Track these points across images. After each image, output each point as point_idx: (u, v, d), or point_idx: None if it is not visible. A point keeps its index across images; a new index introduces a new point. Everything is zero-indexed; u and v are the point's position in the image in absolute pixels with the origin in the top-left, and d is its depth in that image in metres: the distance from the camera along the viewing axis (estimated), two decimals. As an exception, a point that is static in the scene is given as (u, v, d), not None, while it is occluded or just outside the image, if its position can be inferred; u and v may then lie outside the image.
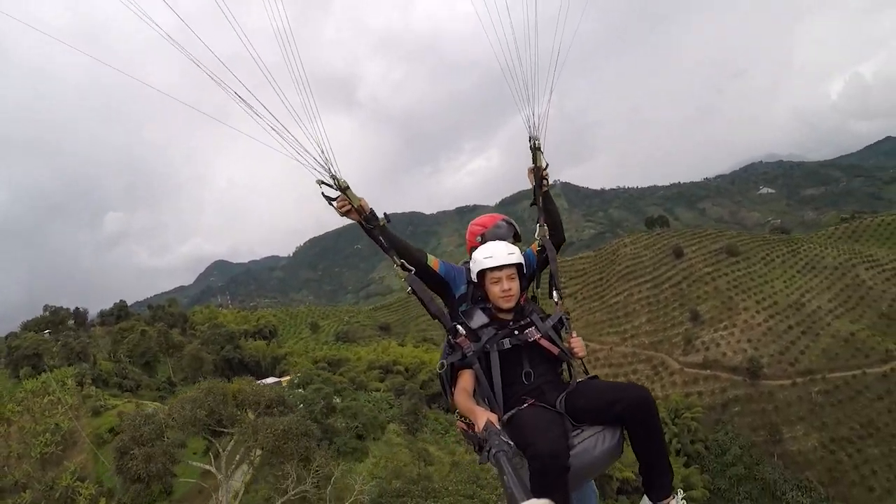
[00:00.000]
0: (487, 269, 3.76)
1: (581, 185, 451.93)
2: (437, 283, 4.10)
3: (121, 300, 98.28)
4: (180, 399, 36.33)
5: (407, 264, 3.83)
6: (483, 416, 3.04)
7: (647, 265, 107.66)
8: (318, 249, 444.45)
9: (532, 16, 3.74)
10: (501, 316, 3.79)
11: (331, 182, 3.64)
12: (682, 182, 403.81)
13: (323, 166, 3.55)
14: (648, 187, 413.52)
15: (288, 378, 64.64)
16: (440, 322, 3.80)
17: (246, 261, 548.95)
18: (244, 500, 31.44)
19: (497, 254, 3.78)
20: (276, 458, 29.70)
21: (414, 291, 3.75)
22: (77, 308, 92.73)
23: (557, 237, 4.35)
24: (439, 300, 4.08)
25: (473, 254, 3.94)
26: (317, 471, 29.02)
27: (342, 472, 31.29)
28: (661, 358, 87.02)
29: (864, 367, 75.87)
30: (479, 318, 3.76)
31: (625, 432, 3.41)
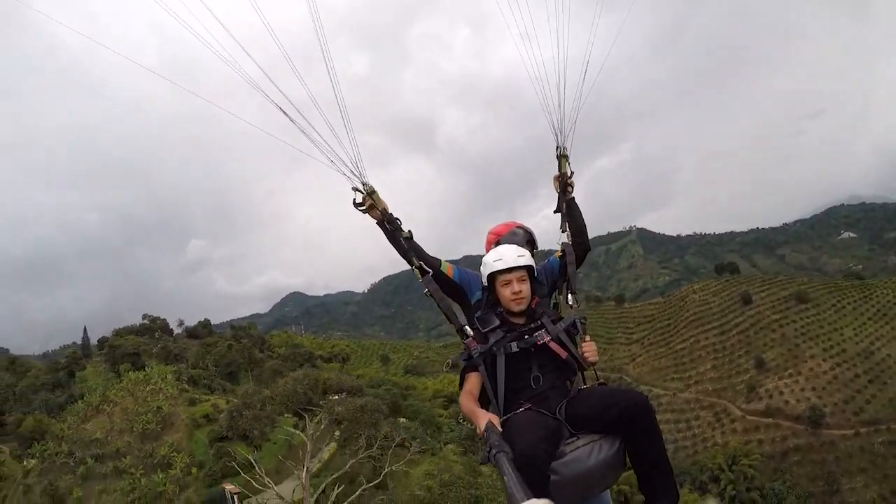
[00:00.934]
0: (497, 271, 3.79)
1: (657, 231, 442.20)
2: (452, 289, 4.18)
3: (205, 318, 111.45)
4: (282, 381, 47.88)
5: (424, 266, 3.99)
6: (484, 418, 3.05)
7: (714, 312, 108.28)
8: (392, 287, 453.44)
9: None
10: (513, 320, 3.78)
11: (361, 188, 3.98)
12: (760, 228, 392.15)
13: (354, 173, 3.92)
14: (726, 233, 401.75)
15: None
16: (449, 320, 3.94)
17: (321, 294, 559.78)
18: (326, 464, 38.62)
19: (506, 256, 3.80)
20: (353, 427, 37.99)
21: (430, 293, 3.91)
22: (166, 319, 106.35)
23: (582, 245, 4.38)
24: (457, 306, 4.21)
25: (485, 258, 3.96)
26: (384, 437, 36.65)
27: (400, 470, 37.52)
28: (724, 405, 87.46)
29: None
30: (490, 322, 3.76)
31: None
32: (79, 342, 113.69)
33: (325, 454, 39.49)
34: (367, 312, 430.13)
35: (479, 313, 3.96)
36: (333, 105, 3.66)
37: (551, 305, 4.24)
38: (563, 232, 4.42)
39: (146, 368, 57.84)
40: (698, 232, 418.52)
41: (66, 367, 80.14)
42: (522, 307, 3.77)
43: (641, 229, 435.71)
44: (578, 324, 3.80)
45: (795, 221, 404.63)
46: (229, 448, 40.39)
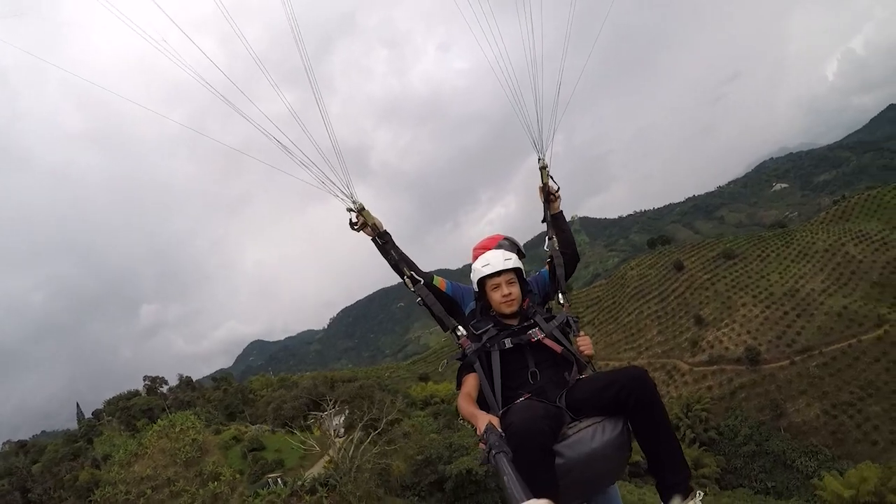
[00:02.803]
0: (486, 276, 3.86)
1: (599, 216, 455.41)
2: (446, 302, 4.21)
3: (186, 376, 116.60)
4: (302, 380, 70.09)
5: (416, 276, 4.03)
6: (484, 419, 3.05)
7: (652, 283, 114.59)
8: (352, 318, 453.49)
9: (531, 51, 4.24)
10: (506, 322, 3.82)
11: (352, 206, 4.03)
12: (696, 195, 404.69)
13: (344, 192, 3.98)
14: (665, 206, 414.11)
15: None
16: (442, 325, 3.89)
17: (282, 338, 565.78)
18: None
19: (493, 261, 3.88)
20: (356, 403, 49.68)
21: (423, 300, 3.92)
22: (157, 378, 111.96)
23: (572, 256, 4.48)
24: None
25: (474, 265, 4.03)
26: (380, 401, 45.91)
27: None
28: (673, 363, 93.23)
29: (858, 335, 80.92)
30: (484, 324, 3.79)
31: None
32: (48, 430, 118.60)
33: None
34: (331, 347, 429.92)
35: (473, 321, 3.93)
36: (300, 135, 3.81)
37: (543, 307, 4.26)
38: (549, 239, 4.51)
39: (167, 416, 63.46)
40: (638, 210, 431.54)
41: (85, 435, 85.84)
42: (513, 309, 3.83)
43: (584, 217, 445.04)
44: (571, 321, 3.87)
45: (729, 182, 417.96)
46: (261, 456, 51.64)
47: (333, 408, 48.55)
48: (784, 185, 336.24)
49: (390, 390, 75.86)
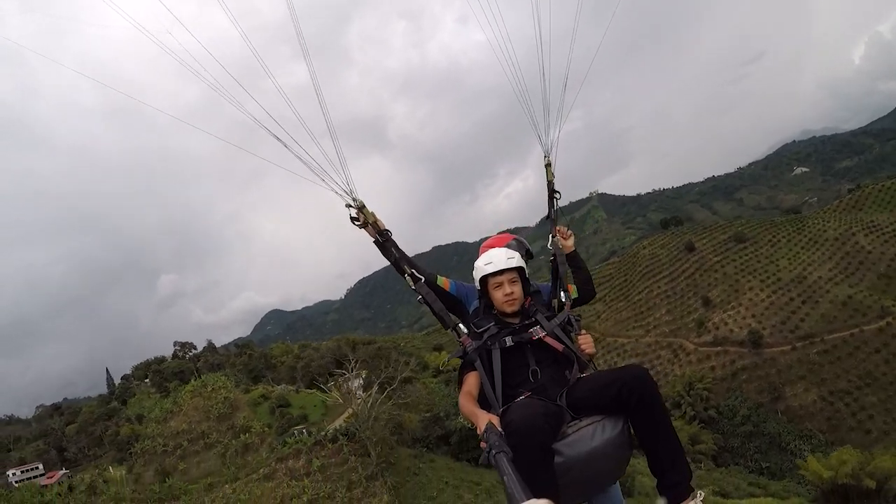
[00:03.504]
0: (488, 274, 3.82)
1: (618, 193, 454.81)
2: (450, 301, 4.22)
3: (210, 342, 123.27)
4: (324, 344, 72.15)
5: (416, 273, 3.94)
6: (484, 418, 3.01)
7: (663, 262, 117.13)
8: (368, 289, 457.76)
9: (544, 31, 3.97)
10: (508, 320, 3.78)
11: (352, 203, 3.88)
12: (716, 175, 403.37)
13: (344, 189, 3.81)
14: (684, 185, 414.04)
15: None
16: (442, 323, 3.85)
17: (299, 308, 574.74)
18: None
19: (496, 259, 3.84)
20: (374, 363, 53.25)
21: (423, 298, 3.85)
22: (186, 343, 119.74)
23: (589, 292, 4.42)
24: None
25: (476, 263, 3.98)
26: (395, 361, 49.96)
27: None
28: (679, 342, 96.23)
29: (861, 325, 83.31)
30: (486, 323, 3.75)
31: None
32: (69, 398, 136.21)
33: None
34: (348, 318, 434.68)
35: (475, 319, 3.87)
36: (294, 121, 3.53)
37: (547, 309, 4.10)
38: (552, 237, 4.45)
39: (199, 378, 69.92)
40: (657, 188, 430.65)
41: (119, 396, 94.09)
42: (515, 308, 3.79)
43: (602, 194, 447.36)
44: (573, 320, 3.86)
45: (749, 164, 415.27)
46: (287, 412, 57.62)
47: (355, 366, 53.63)
48: (805, 170, 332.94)
49: (405, 353, 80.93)
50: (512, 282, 3.81)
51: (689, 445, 66.78)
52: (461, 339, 3.68)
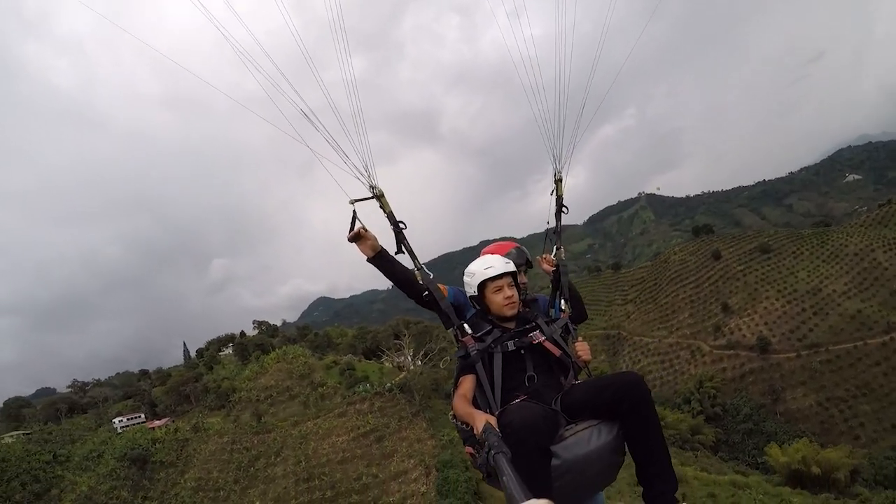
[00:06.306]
0: (488, 279, 3.87)
1: (667, 195, 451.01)
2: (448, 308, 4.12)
3: (284, 321, 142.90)
4: (386, 325, 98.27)
5: (426, 270, 4.06)
6: (482, 419, 3.01)
7: (691, 269, 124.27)
8: None
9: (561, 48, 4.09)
10: (505, 325, 3.86)
11: (368, 193, 3.95)
12: (767, 179, 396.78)
13: (362, 174, 3.88)
14: (733, 189, 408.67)
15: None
16: (447, 321, 3.93)
17: (347, 296, 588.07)
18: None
19: (496, 263, 3.91)
20: (422, 338, 70.58)
21: (432, 294, 3.97)
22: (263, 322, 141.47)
23: (581, 316, 4.41)
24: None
25: (471, 268, 4.05)
26: (437, 336, 66.81)
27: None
28: (697, 344, 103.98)
29: (866, 338, 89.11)
30: (483, 327, 3.82)
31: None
32: (120, 373, 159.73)
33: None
34: (394, 307, 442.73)
35: (474, 321, 3.93)
36: (332, 110, 3.65)
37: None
38: (557, 249, 4.50)
39: (281, 348, 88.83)
40: (706, 191, 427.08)
41: (207, 364, 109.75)
42: (515, 311, 3.88)
43: (650, 194, 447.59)
44: (571, 327, 3.97)
45: (801, 169, 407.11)
46: (353, 374, 69.42)
47: (409, 339, 70.00)
48: (857, 177, 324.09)
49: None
50: (511, 286, 3.91)
51: (689, 435, 76.15)
52: (463, 340, 3.75)
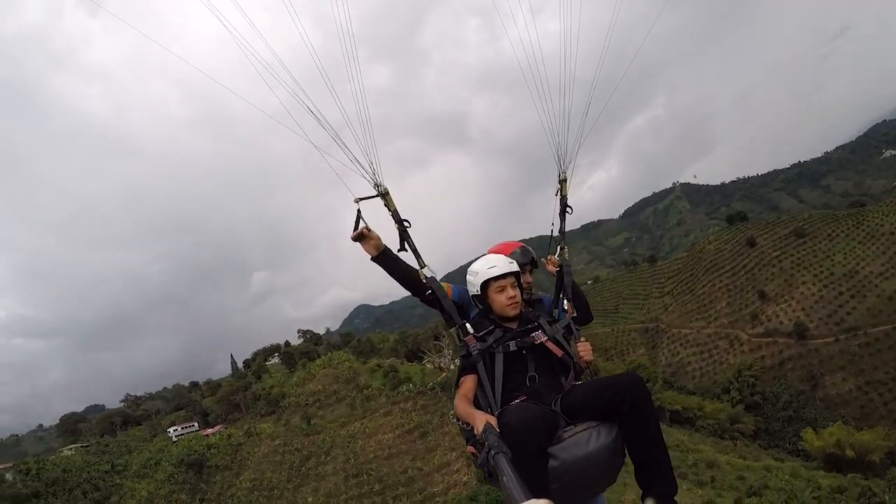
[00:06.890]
0: (491, 278, 3.83)
1: (702, 182, 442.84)
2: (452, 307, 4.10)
3: (328, 329, 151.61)
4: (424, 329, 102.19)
5: (431, 269, 4.05)
6: (482, 419, 2.99)
7: (726, 257, 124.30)
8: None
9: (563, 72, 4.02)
10: (507, 325, 3.81)
11: (373, 191, 3.96)
12: (802, 161, 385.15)
13: (368, 172, 3.88)
14: (769, 173, 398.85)
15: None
16: (450, 320, 3.89)
17: (387, 303, 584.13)
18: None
19: (499, 263, 3.87)
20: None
21: (435, 293, 3.97)
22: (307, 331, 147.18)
23: (586, 318, 4.33)
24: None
25: (474, 267, 4.00)
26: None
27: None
28: (735, 333, 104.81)
29: None
30: (485, 327, 3.79)
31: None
32: (169, 386, 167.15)
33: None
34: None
35: (476, 321, 3.90)
36: (337, 109, 3.67)
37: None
38: (561, 249, 4.49)
39: (327, 354, 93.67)
40: (741, 176, 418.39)
41: (255, 373, 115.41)
42: (517, 311, 3.83)
43: (685, 183, 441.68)
44: (573, 327, 3.93)
45: (836, 148, 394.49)
46: (396, 376, 72.84)
47: (448, 340, 77.84)
48: (894, 152, 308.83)
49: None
50: (514, 286, 3.84)
51: (728, 424, 77.37)
52: (465, 339, 3.72)
